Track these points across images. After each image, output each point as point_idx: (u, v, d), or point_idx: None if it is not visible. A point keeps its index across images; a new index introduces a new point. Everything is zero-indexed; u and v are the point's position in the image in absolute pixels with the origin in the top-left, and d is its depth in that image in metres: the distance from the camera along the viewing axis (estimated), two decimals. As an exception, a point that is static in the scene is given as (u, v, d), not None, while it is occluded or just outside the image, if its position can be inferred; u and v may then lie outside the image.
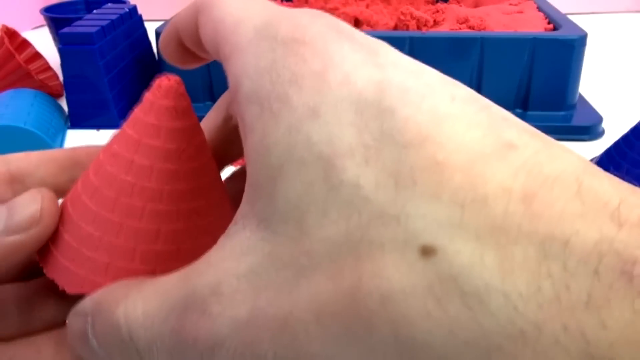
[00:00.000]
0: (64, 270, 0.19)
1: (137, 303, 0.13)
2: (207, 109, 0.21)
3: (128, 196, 0.18)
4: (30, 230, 0.17)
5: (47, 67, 0.62)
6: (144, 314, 0.13)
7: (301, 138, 0.11)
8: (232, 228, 0.13)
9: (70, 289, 0.18)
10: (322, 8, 0.70)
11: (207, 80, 0.54)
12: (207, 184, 0.19)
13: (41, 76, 0.61)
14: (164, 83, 0.18)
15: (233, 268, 0.12)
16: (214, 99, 0.53)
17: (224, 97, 0.20)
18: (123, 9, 0.57)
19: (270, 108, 0.12)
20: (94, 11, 0.57)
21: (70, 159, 0.21)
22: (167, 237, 0.18)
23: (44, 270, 0.19)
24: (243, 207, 0.13)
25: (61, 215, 0.19)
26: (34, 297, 0.21)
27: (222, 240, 0.13)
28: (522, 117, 0.50)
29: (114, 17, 0.54)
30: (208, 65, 0.52)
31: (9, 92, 0.51)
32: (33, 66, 0.61)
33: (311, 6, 0.73)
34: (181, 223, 0.18)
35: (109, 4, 0.61)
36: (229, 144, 0.20)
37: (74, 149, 0.21)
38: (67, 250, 0.19)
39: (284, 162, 0.11)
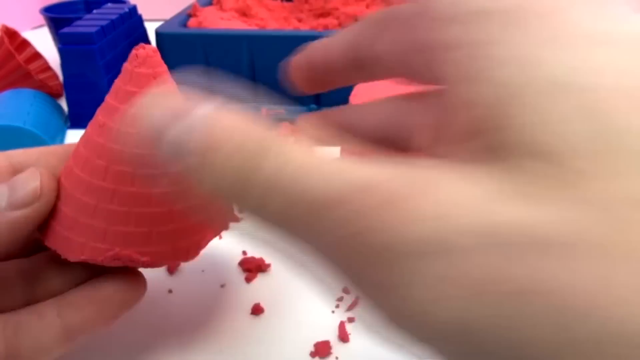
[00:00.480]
0: (64, 240, 0.20)
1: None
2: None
3: (118, 163, 0.19)
4: (32, 205, 0.19)
5: (47, 67, 0.62)
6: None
7: (554, 63, 0.10)
8: (448, 168, 0.10)
9: (72, 256, 0.20)
10: (322, 8, 0.70)
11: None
12: None
13: (41, 76, 0.60)
14: (141, 52, 0.19)
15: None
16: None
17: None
18: (123, 8, 0.57)
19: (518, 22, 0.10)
20: (94, 11, 0.57)
21: (68, 153, 0.22)
22: (159, 200, 0.19)
23: (45, 242, 0.20)
24: (463, 144, 0.11)
25: (59, 192, 0.20)
26: (37, 271, 0.22)
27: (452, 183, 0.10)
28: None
29: (113, 17, 0.54)
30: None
31: (8, 92, 0.51)
32: (33, 66, 0.61)
33: (311, 6, 0.73)
34: (171, 186, 0.19)
35: (109, 4, 0.61)
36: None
37: (72, 144, 0.23)
38: (66, 221, 0.20)
39: (528, 88, 0.10)
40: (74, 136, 0.52)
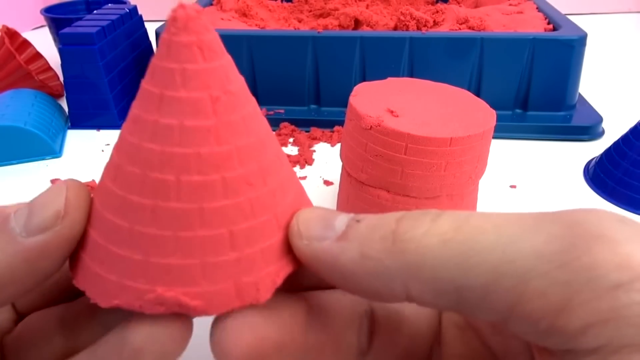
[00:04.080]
0: (94, 278, 0.15)
1: None
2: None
3: (157, 170, 0.14)
4: (53, 229, 0.14)
5: (48, 68, 0.62)
6: None
7: None
8: None
9: (102, 301, 0.15)
10: (322, 8, 0.70)
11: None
12: (255, 141, 0.15)
13: (41, 76, 0.61)
14: (180, 14, 0.13)
15: None
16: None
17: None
18: (123, 9, 0.57)
19: None
20: (95, 11, 0.57)
21: None
22: (213, 218, 0.14)
23: (74, 281, 0.15)
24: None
25: (90, 211, 0.15)
26: (79, 319, 0.18)
27: None
28: (522, 117, 0.50)
29: (114, 17, 0.54)
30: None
31: (9, 92, 0.51)
32: (33, 66, 0.61)
33: (311, 7, 0.73)
34: (228, 198, 0.14)
35: (110, 4, 0.61)
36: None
37: None
38: (96, 251, 0.15)
39: None
40: (74, 136, 0.52)
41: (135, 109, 0.14)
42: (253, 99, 0.15)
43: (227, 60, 0.14)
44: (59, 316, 0.18)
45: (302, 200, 0.17)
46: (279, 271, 0.15)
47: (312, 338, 0.16)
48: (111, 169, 0.15)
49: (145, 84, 0.14)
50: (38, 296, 0.19)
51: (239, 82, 0.15)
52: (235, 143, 0.14)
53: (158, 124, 0.14)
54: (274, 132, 0.17)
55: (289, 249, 0.16)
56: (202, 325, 0.16)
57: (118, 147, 0.15)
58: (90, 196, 0.15)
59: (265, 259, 0.15)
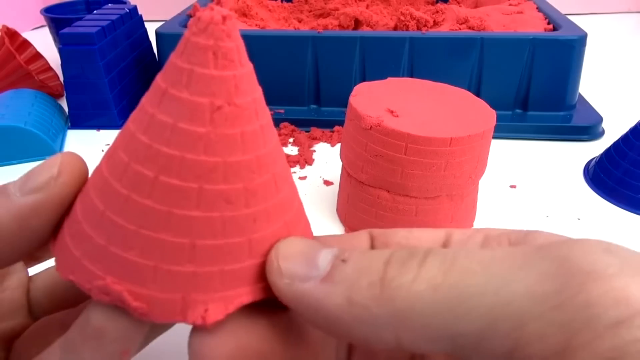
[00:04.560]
0: (63, 248, 0.15)
1: None
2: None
3: (140, 162, 0.14)
4: (46, 190, 0.15)
5: (48, 68, 0.62)
6: None
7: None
8: None
9: (62, 272, 0.15)
10: (322, 8, 0.70)
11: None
12: (250, 160, 0.14)
13: (41, 76, 0.61)
14: (205, 16, 0.13)
15: None
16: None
17: None
18: (123, 9, 0.57)
19: None
20: (95, 11, 0.57)
21: None
22: (179, 225, 0.14)
23: (52, 248, 0.16)
24: None
25: (83, 186, 0.16)
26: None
27: None
28: (522, 117, 0.50)
29: (114, 17, 0.54)
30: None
31: (9, 92, 0.51)
32: (33, 66, 0.61)
33: (311, 7, 0.73)
34: (200, 209, 0.14)
35: (110, 5, 0.61)
36: None
37: None
38: (73, 223, 0.15)
39: None
40: (74, 136, 0.52)
41: (144, 98, 0.14)
42: (267, 113, 0.15)
43: (245, 71, 0.14)
44: (60, 320, 0.19)
45: (295, 230, 0.16)
46: (235, 298, 0.14)
47: (291, 350, 0.16)
48: (110, 150, 0.15)
49: (158, 77, 0.14)
50: (53, 303, 0.19)
51: (251, 96, 0.14)
52: (224, 157, 0.14)
53: (154, 118, 0.14)
54: (283, 152, 0.16)
55: (256, 278, 0.15)
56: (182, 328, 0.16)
57: (121, 131, 0.15)
58: (86, 168, 0.16)
59: (224, 282, 0.14)
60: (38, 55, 0.63)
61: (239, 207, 0.14)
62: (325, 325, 0.14)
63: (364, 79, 0.51)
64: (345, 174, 0.36)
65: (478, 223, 0.38)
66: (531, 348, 0.11)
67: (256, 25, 0.61)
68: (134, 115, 0.15)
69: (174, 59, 0.14)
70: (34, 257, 0.20)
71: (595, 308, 0.11)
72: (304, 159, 0.47)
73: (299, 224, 0.16)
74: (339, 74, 0.52)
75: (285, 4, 0.73)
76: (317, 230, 0.37)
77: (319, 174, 0.45)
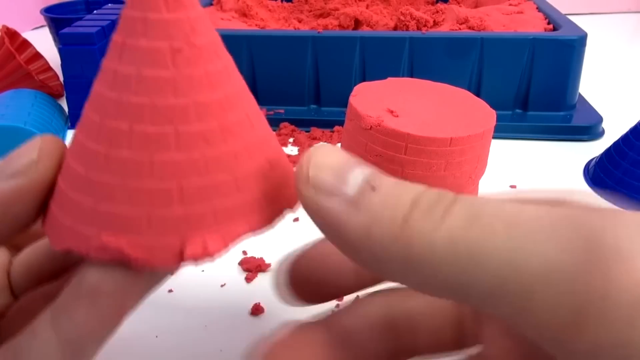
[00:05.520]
0: (54, 222, 0.15)
1: None
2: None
3: (112, 117, 0.14)
4: (27, 174, 0.15)
5: (48, 68, 0.62)
6: None
7: None
8: None
9: (57, 245, 0.15)
10: (322, 8, 0.70)
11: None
12: (219, 99, 0.15)
13: (41, 76, 0.61)
14: None
15: None
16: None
17: None
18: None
19: None
20: (94, 11, 0.57)
21: None
22: (163, 170, 0.14)
23: (42, 228, 0.16)
24: None
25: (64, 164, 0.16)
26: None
27: None
28: (522, 117, 0.50)
29: (114, 17, 0.54)
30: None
31: (9, 93, 0.51)
32: (33, 66, 0.61)
33: (311, 7, 0.73)
34: (181, 151, 0.14)
35: (109, 5, 0.61)
36: None
37: None
38: (58, 196, 0.15)
39: None
40: (74, 136, 0.52)
41: (104, 60, 0.15)
42: (228, 56, 0.15)
43: (198, 13, 0.14)
44: (43, 293, 0.19)
45: (278, 167, 0.16)
46: (231, 230, 0.15)
47: None
48: (81, 117, 0.15)
49: (114, 35, 0.14)
50: (32, 281, 0.19)
51: (209, 37, 0.14)
52: (194, 97, 0.14)
53: (117, 73, 0.14)
54: (252, 95, 0.16)
55: (249, 210, 0.15)
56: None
57: (89, 96, 0.15)
58: (65, 150, 0.16)
59: (217, 218, 0.15)
60: (38, 55, 0.63)
61: (217, 145, 0.14)
62: (342, 249, 0.14)
63: (364, 79, 0.51)
64: (345, 174, 0.36)
65: (478, 223, 0.38)
66: (537, 316, 0.11)
67: (256, 25, 0.61)
68: (98, 78, 0.15)
69: (126, 12, 0.14)
70: (15, 247, 0.20)
71: (613, 286, 0.11)
72: (304, 159, 0.47)
73: (281, 162, 0.17)
74: (339, 74, 0.52)
75: (285, 4, 0.73)
76: (317, 230, 0.37)
77: (319, 174, 0.45)
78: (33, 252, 0.19)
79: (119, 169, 0.14)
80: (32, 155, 0.15)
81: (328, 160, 0.14)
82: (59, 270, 0.20)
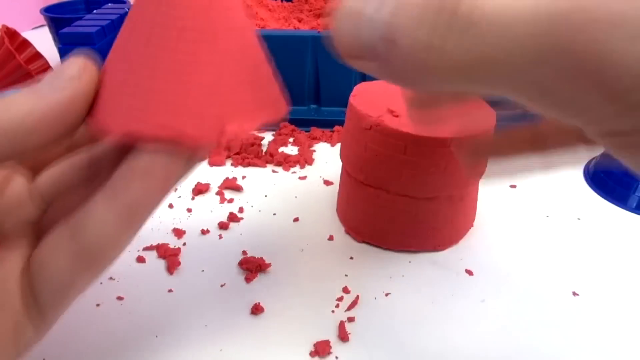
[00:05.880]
0: (106, 117, 0.18)
1: None
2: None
3: (159, 35, 0.18)
4: (73, 86, 0.18)
5: (48, 67, 0.62)
6: None
7: None
8: None
9: (115, 131, 0.18)
10: (322, 8, 0.70)
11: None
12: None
13: (41, 76, 0.60)
14: None
15: None
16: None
17: None
18: (123, 9, 0.57)
19: None
20: (94, 11, 0.57)
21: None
22: (208, 68, 0.18)
23: (95, 126, 0.19)
24: None
25: (102, 75, 0.20)
26: (99, 161, 0.21)
27: None
28: (522, 117, 0.50)
29: (114, 17, 0.54)
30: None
31: (9, 92, 0.51)
32: (33, 66, 0.61)
33: (311, 6, 0.73)
34: (217, 55, 0.18)
35: (109, 4, 0.61)
36: None
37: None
38: (107, 98, 0.19)
39: None
40: (74, 136, 0.52)
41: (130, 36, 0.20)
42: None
43: None
44: (79, 165, 0.21)
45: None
46: (257, 117, 0.20)
47: None
48: (123, 38, 0.20)
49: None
50: (62, 189, 0.21)
51: None
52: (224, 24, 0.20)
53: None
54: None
55: (266, 106, 0.20)
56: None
57: (123, 28, 0.20)
58: (98, 68, 0.20)
59: (246, 107, 0.19)
60: (38, 55, 0.63)
61: (246, 58, 0.21)
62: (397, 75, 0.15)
63: (364, 79, 0.51)
64: (345, 174, 0.36)
65: (478, 223, 0.38)
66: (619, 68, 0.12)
67: (256, 25, 0.61)
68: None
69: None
70: (33, 169, 0.22)
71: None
72: (304, 159, 0.47)
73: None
74: (339, 74, 0.52)
75: (285, 4, 0.74)
76: (317, 230, 0.37)
77: (319, 174, 0.45)
78: (59, 167, 0.22)
79: (170, 68, 0.17)
80: (74, 70, 0.18)
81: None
82: (84, 180, 0.22)
